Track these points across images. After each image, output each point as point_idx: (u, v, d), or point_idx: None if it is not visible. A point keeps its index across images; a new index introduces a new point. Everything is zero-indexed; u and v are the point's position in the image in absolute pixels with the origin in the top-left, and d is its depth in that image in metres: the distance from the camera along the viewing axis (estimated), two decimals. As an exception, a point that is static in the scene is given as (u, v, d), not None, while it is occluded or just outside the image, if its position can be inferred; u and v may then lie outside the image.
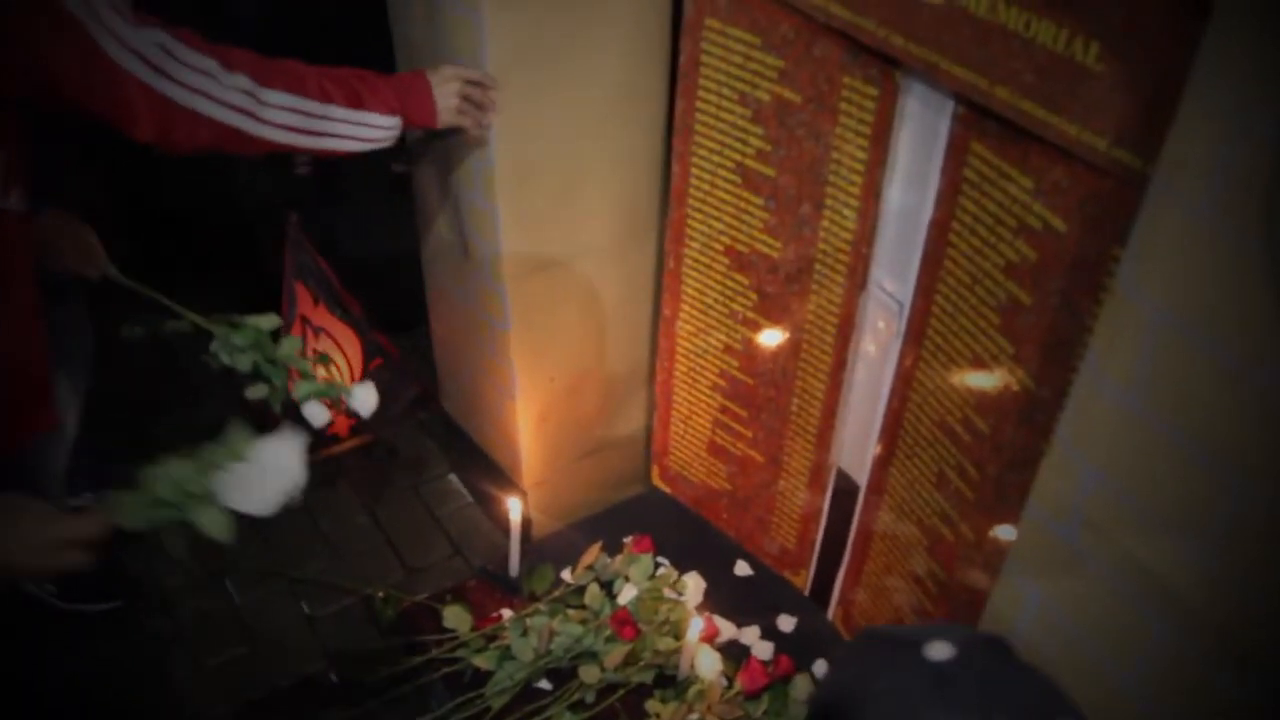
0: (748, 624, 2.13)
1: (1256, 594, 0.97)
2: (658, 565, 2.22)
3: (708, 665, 2.01)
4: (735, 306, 2.01)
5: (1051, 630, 1.23)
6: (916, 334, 1.70)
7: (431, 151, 2.08)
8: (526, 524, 2.25)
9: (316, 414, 1.86)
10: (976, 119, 1.46)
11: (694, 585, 2.19)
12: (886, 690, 0.82)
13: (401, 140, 1.80)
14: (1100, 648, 1.19)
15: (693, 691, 1.98)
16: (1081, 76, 1.26)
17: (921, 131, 1.60)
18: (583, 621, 2.08)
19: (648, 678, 2.03)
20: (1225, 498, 0.95)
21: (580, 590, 2.16)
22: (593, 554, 2.22)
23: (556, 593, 2.17)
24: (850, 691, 0.85)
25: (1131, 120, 1.20)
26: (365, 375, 2.62)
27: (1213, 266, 0.89)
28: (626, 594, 2.14)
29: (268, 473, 1.25)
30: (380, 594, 2.20)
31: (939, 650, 0.82)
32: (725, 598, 2.18)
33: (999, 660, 0.84)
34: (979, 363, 1.57)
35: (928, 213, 1.61)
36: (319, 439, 2.58)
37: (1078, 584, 1.17)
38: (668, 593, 2.17)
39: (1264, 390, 0.87)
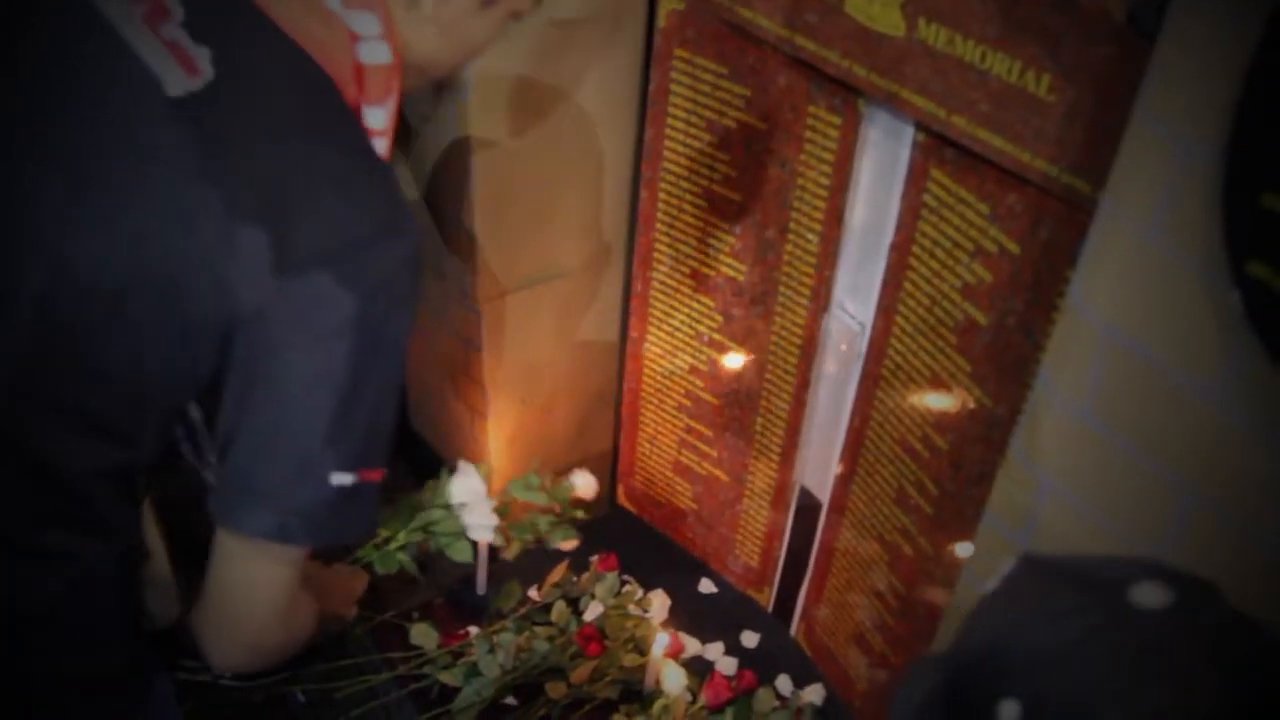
0: (712, 640, 2.16)
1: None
2: (623, 583, 2.25)
3: (673, 680, 2.04)
4: (701, 328, 2.06)
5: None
6: (878, 354, 1.76)
7: (407, 173, 2.12)
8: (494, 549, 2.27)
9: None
10: (935, 146, 1.52)
11: (659, 602, 2.22)
12: (1079, 643, 0.61)
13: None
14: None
15: (658, 706, 2.01)
16: (1034, 106, 1.32)
17: (882, 158, 1.66)
18: (549, 638, 2.10)
19: (613, 693, 2.05)
20: (1174, 506, 1.00)
21: (547, 608, 2.19)
22: (559, 572, 2.25)
23: (523, 610, 2.19)
24: (1023, 644, 0.63)
25: (1081, 148, 1.27)
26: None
27: (1157, 285, 0.95)
28: (592, 611, 2.16)
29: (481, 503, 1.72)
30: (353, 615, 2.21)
31: (1150, 595, 0.63)
32: (690, 614, 2.21)
33: (1225, 614, 0.65)
34: (938, 382, 1.63)
35: (888, 236, 1.67)
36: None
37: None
38: (633, 610, 2.19)
39: (1206, 401, 0.92)
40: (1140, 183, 0.95)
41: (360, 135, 0.98)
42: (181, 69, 0.86)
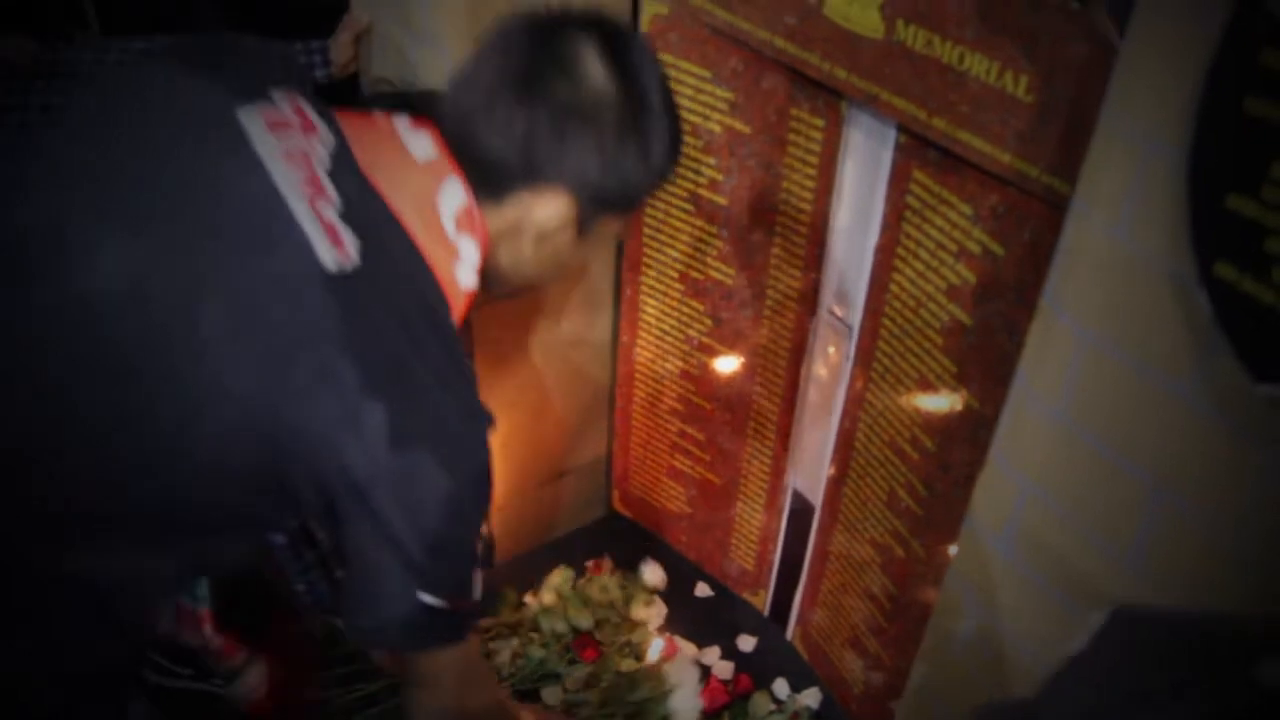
0: (708, 644, 2.16)
1: (1182, 598, 1.02)
2: (630, 593, 2.25)
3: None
4: (691, 332, 2.06)
5: (991, 641, 1.28)
6: (865, 356, 1.75)
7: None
8: (489, 549, 2.27)
9: None
10: (917, 148, 1.52)
11: (655, 607, 2.22)
12: None
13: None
14: (1039, 658, 1.23)
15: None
16: (1013, 107, 1.32)
17: (866, 160, 1.66)
18: (544, 644, 2.10)
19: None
20: (1149, 505, 1.00)
21: (542, 613, 2.19)
22: (555, 577, 2.25)
23: (519, 616, 2.19)
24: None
25: (1060, 148, 1.26)
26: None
27: (1128, 286, 0.95)
28: (588, 617, 2.16)
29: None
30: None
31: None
32: (686, 619, 2.21)
33: None
34: (925, 383, 1.62)
35: (873, 239, 1.66)
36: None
37: (1016, 593, 1.22)
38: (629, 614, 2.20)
39: (1178, 401, 0.92)
40: (1109, 184, 0.95)
41: (454, 332, 1.08)
42: (336, 250, 0.96)
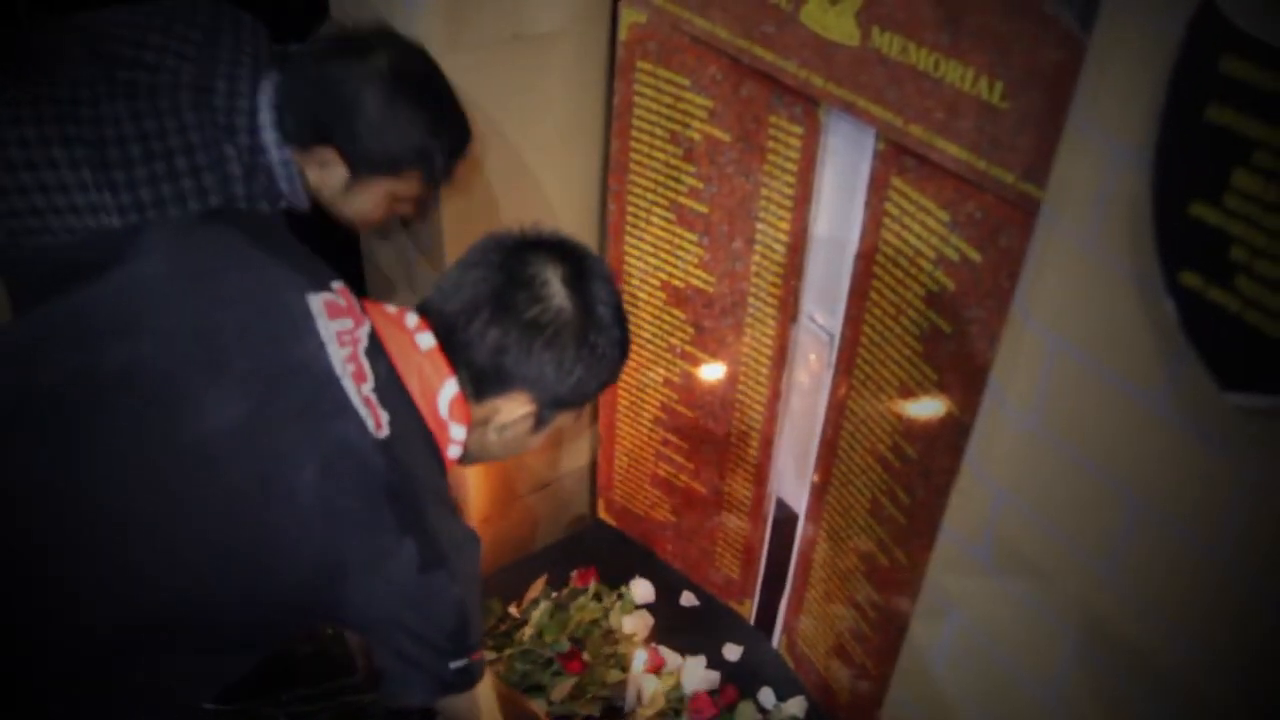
0: (694, 654, 2.15)
1: (1154, 603, 1.02)
2: (610, 604, 2.24)
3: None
4: (673, 340, 2.05)
5: (970, 648, 1.27)
6: (847, 364, 1.75)
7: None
8: (473, 560, 2.26)
9: None
10: (895, 155, 1.52)
11: (640, 617, 2.21)
12: None
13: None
14: (1017, 663, 1.23)
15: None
16: (988, 114, 1.31)
17: (844, 168, 1.65)
18: (530, 654, 2.10)
19: (595, 710, 2.04)
20: (1121, 513, 1.00)
21: (526, 624, 2.18)
22: (537, 588, 2.24)
23: (503, 627, 2.18)
24: None
25: (1035, 155, 1.26)
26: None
27: (1097, 294, 0.94)
28: (565, 643, 2.15)
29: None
30: (329, 630, 2.20)
31: None
32: (671, 628, 2.21)
33: None
34: (905, 391, 1.62)
35: (853, 246, 1.66)
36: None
37: (993, 602, 1.21)
38: (613, 625, 2.19)
39: (1147, 409, 0.92)
40: (1077, 192, 0.95)
41: (445, 479, 1.32)
42: (374, 421, 1.17)
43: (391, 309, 1.32)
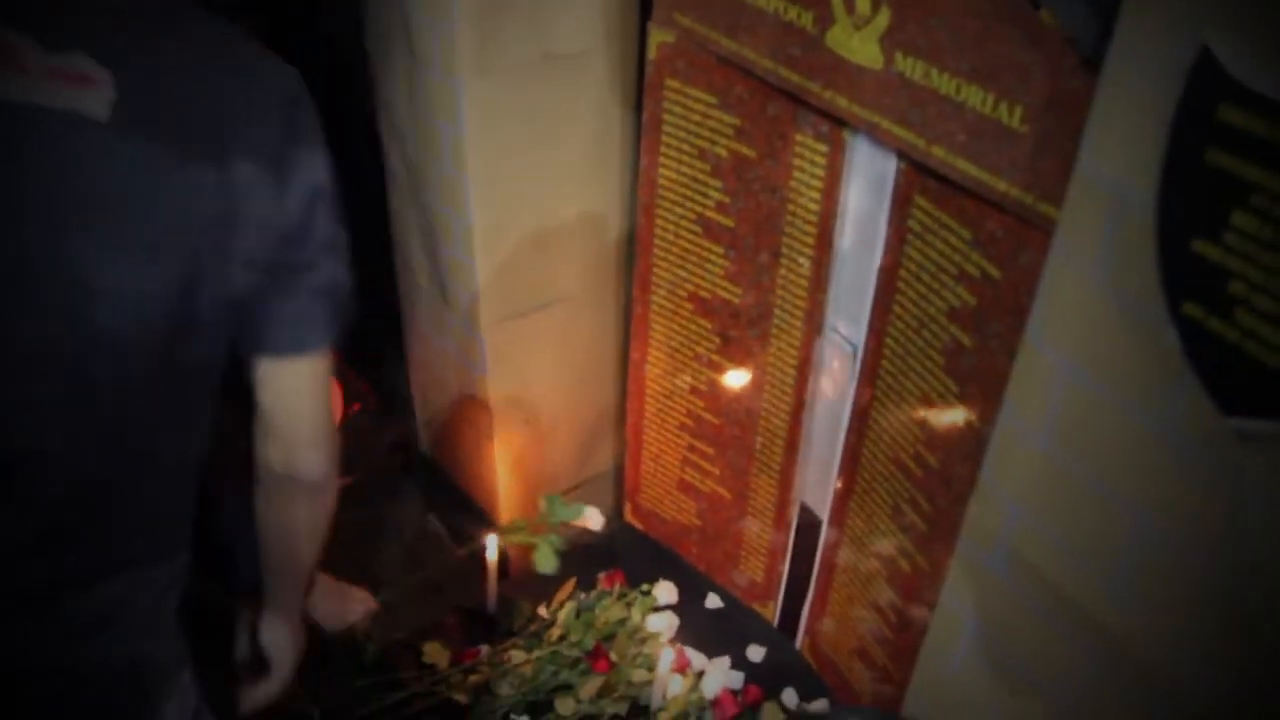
0: (718, 655, 2.20)
1: (1161, 613, 1.06)
2: (631, 599, 2.29)
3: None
4: (700, 350, 2.10)
5: (986, 656, 1.32)
6: (870, 374, 1.79)
7: (412, 206, 2.17)
8: (503, 561, 2.32)
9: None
10: (917, 174, 1.56)
11: (666, 618, 2.26)
12: None
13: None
14: (1032, 671, 1.27)
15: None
16: (1008, 137, 1.36)
17: (869, 185, 1.70)
18: (557, 655, 2.15)
19: (622, 709, 2.09)
20: (1130, 529, 1.04)
21: (554, 625, 2.23)
22: (567, 589, 2.30)
23: (533, 627, 2.23)
24: None
25: (1053, 177, 1.30)
26: (345, 419, 2.69)
27: (1105, 320, 0.99)
28: (592, 639, 2.20)
29: None
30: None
31: None
32: (696, 630, 2.25)
33: None
34: (927, 401, 1.66)
35: (877, 260, 1.71)
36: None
37: (1008, 611, 1.25)
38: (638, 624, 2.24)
39: (1153, 430, 0.96)
40: (1087, 226, 0.99)
41: None
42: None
43: None
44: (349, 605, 2.05)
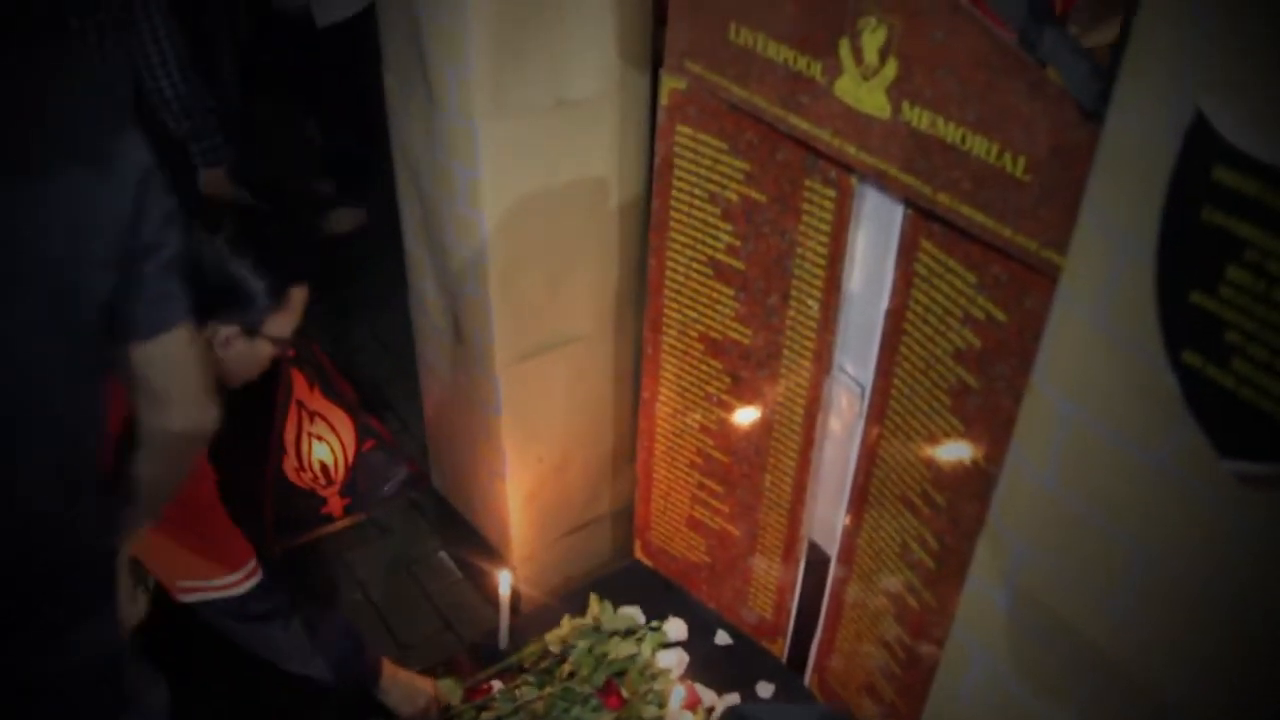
0: (728, 692, 2.22)
1: (1171, 650, 1.09)
2: (641, 636, 2.31)
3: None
4: (710, 389, 2.14)
5: (996, 691, 1.34)
6: (878, 414, 1.83)
7: (426, 245, 2.22)
8: (515, 597, 2.35)
9: None
10: (924, 220, 1.60)
11: (676, 654, 2.28)
12: None
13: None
14: (1042, 708, 1.29)
15: (675, 757, 2.07)
16: (1012, 186, 1.40)
17: (876, 229, 1.74)
18: (570, 691, 2.17)
19: (633, 745, 2.11)
20: (1136, 566, 1.07)
21: (564, 661, 2.25)
22: (565, 626, 2.31)
23: (545, 664, 2.25)
24: None
25: (1056, 225, 1.34)
26: (358, 457, 2.73)
27: (1108, 367, 1.02)
28: (612, 664, 2.22)
29: None
30: None
31: None
32: (706, 666, 2.27)
33: None
34: (934, 441, 1.70)
35: (884, 303, 1.74)
36: (314, 520, 2.68)
37: (1016, 647, 1.28)
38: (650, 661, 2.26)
39: (1157, 472, 1.00)
40: (1090, 276, 1.03)
41: None
42: None
43: None
44: (417, 691, 2.12)
